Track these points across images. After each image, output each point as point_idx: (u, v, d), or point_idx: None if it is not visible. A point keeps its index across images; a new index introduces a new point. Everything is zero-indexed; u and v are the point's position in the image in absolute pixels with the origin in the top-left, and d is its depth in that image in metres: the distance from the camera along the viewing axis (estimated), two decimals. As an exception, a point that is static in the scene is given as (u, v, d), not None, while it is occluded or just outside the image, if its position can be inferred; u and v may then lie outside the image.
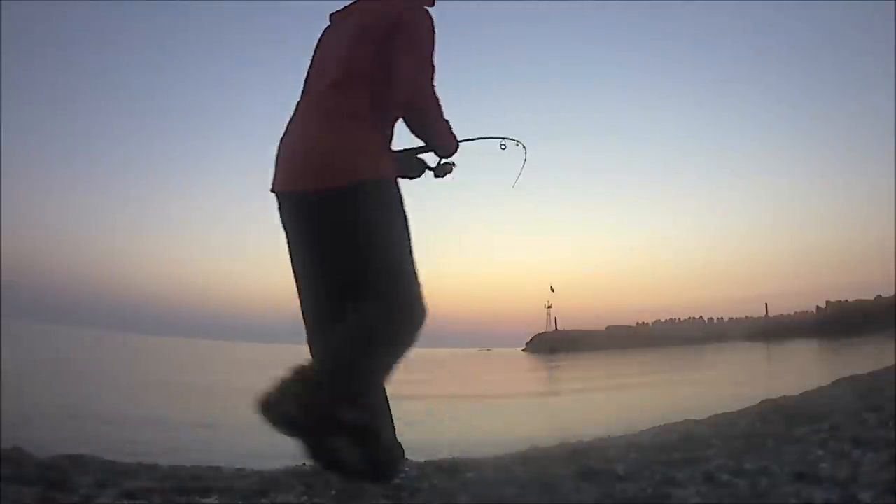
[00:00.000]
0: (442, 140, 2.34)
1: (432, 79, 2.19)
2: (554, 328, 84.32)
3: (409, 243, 2.01)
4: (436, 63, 2.22)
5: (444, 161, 2.43)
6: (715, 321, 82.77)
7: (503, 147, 2.80)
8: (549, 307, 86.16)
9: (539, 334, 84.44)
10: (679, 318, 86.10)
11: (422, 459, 2.68)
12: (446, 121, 2.30)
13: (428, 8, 2.31)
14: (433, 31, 2.26)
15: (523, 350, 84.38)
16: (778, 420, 3.27)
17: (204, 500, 1.84)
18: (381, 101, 2.08)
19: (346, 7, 2.40)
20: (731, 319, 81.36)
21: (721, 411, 4.15)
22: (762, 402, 4.31)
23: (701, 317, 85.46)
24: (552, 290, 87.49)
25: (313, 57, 2.33)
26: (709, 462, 2.34)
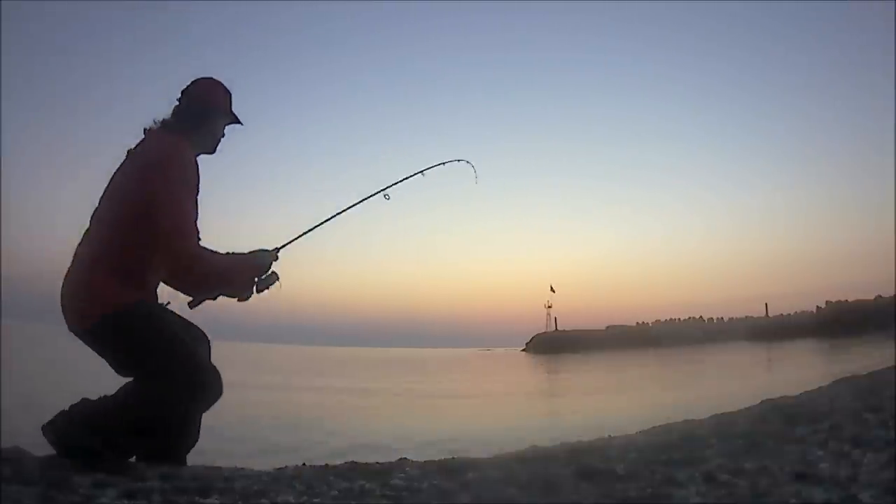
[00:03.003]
0: (204, 282, 2.39)
1: (184, 209, 2.19)
2: (554, 328, 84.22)
3: (162, 344, 2.23)
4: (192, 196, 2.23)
5: (263, 276, 2.46)
6: (715, 321, 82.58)
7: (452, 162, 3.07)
8: (549, 307, 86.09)
9: (539, 334, 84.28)
10: (679, 318, 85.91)
11: (422, 459, 2.69)
12: (204, 252, 2.29)
13: (183, 139, 2.32)
14: (183, 162, 2.25)
15: (523, 350, 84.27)
16: (778, 420, 3.27)
17: (204, 500, 1.84)
18: (132, 242, 2.22)
19: (139, 142, 2.39)
20: (731, 319, 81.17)
21: (721, 411, 4.15)
22: (762, 402, 4.31)
23: (701, 317, 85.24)
24: (552, 290, 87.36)
25: (106, 186, 2.36)
26: (709, 462, 2.34)
